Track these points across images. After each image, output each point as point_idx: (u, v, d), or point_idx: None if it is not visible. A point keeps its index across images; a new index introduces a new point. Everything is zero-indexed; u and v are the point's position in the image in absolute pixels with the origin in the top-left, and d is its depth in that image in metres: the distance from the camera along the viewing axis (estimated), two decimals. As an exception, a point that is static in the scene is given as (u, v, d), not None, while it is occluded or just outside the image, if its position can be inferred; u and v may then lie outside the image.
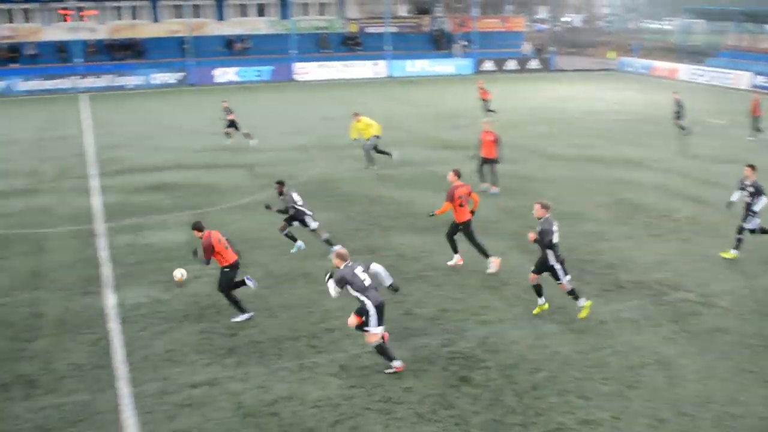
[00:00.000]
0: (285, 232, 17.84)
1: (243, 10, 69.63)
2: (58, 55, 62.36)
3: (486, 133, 23.14)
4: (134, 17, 67.57)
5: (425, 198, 22.13)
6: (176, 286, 15.72)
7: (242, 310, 14.07)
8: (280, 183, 17.63)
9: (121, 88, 59.61)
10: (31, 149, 33.93)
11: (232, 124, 32.41)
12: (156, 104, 49.33)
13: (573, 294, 13.79)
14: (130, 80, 60.66)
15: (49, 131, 39.28)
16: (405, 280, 15.76)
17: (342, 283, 11.83)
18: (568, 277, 13.73)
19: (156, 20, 67.33)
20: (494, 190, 22.93)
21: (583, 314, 13.78)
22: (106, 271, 16.95)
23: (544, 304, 14.04)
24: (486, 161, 23.19)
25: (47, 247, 19.05)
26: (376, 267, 12.29)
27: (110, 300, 15.13)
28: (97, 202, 23.38)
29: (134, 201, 23.27)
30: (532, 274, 13.84)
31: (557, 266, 13.60)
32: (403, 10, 77.15)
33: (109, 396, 11.40)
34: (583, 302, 13.81)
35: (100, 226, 20.64)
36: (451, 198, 15.98)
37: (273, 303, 14.69)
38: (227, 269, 13.82)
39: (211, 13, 68.51)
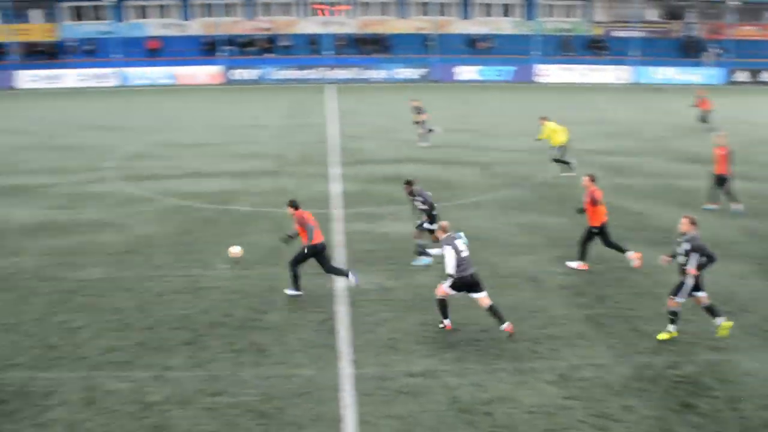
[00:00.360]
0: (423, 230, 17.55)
1: (488, 10, 69.94)
2: (310, 47, 65.81)
3: (719, 148, 21.63)
4: (382, 13, 69.79)
5: (664, 212, 21.20)
6: (234, 260, 16.52)
7: (297, 287, 15.03)
8: (408, 183, 17.46)
9: (365, 80, 61.92)
10: (280, 134, 36.10)
11: (421, 123, 32.56)
12: (398, 99, 50.66)
13: (674, 316, 12.97)
14: (375, 74, 62.85)
15: (296, 118, 41.61)
16: (634, 294, 15.21)
17: (449, 248, 12.94)
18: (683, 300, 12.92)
19: (403, 17, 69.17)
20: (736, 207, 21.38)
21: (661, 336, 13.04)
22: (340, 255, 17.66)
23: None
24: (719, 178, 21.52)
25: (287, 227, 20.06)
26: None
27: (340, 283, 15.73)
28: (336, 188, 24.42)
29: (371, 190, 24.06)
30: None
31: (689, 282, 12.77)
32: (652, 15, 74.14)
33: (332, 374, 11.88)
34: (673, 328, 12.99)
35: (337, 212, 21.54)
36: (595, 202, 16.09)
37: (497, 303, 14.64)
38: (305, 249, 14.82)
39: (456, 11, 69.42)
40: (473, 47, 65.98)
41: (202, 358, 12.46)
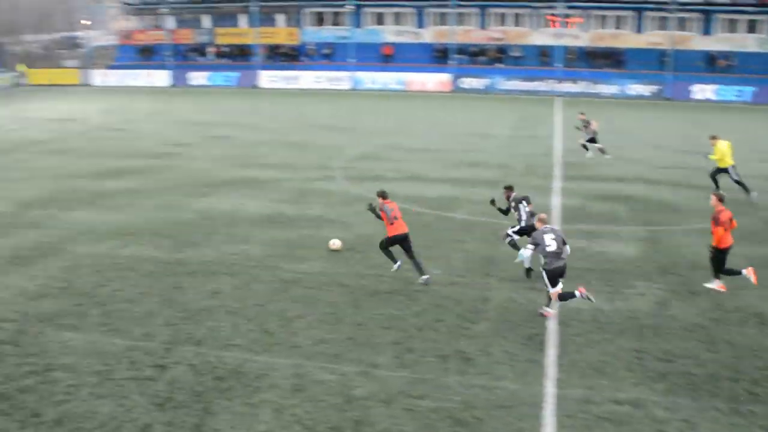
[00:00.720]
0: (508, 240, 17.47)
1: (732, 26, 66.14)
2: (540, 59, 65.31)
3: None
4: (617, 27, 67.94)
5: None
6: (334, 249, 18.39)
7: (393, 260, 16.41)
8: (508, 188, 17.71)
9: (595, 95, 60.61)
10: (505, 144, 36.10)
11: (592, 138, 32.14)
12: (628, 115, 49.24)
13: None
14: (605, 89, 61.38)
15: (522, 129, 41.44)
16: None
17: (534, 242, 14.31)
18: None
19: (639, 31, 67.00)
20: None
21: None
22: (553, 270, 17.36)
23: None
24: None
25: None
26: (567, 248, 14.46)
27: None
28: (556, 202, 24.06)
29: (593, 207, 23.49)
30: None
31: None
32: None
33: (534, 391, 11.70)
34: None
35: (555, 227, 21.15)
36: (717, 222, 15.71)
37: (717, 338, 13.86)
38: (391, 238, 16.24)
39: (696, 27, 66.25)
40: (711, 65, 62.76)
41: (409, 359, 12.69)
